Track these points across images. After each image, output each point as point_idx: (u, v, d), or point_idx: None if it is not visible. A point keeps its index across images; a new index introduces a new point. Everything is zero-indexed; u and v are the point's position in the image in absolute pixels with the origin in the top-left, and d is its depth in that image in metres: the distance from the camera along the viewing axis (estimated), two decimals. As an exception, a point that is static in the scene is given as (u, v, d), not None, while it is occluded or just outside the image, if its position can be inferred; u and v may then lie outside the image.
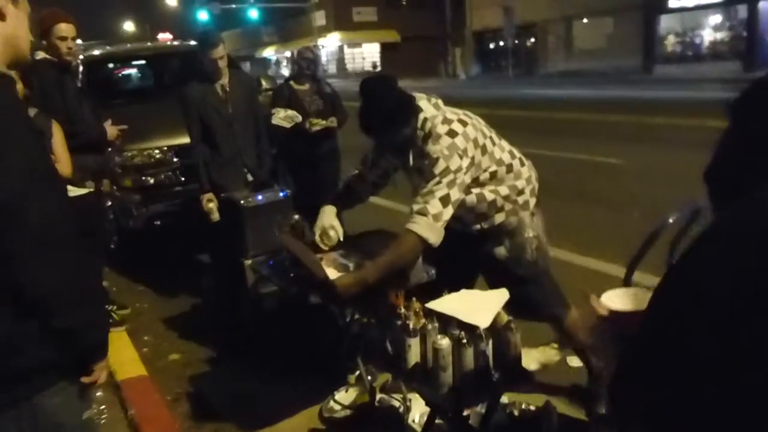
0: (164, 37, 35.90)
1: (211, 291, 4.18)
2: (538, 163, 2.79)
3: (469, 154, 2.39)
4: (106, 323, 1.57)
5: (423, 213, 2.32)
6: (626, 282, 1.98)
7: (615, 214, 5.96)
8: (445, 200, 2.33)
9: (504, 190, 2.55)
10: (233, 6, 33.82)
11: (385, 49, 42.77)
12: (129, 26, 58.11)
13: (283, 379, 3.16)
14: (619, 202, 6.39)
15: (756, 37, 20.81)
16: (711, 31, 23.82)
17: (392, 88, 2.47)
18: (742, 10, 21.84)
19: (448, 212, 2.34)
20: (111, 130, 3.79)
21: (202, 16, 31.65)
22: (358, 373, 2.93)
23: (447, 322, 2.22)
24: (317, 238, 2.71)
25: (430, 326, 2.21)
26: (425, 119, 2.45)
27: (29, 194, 1.27)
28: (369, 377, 2.90)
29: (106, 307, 3.97)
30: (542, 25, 29.99)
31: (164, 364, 3.58)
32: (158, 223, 4.94)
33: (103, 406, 2.98)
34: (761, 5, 20.66)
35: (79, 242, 1.40)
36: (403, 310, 2.30)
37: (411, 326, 2.21)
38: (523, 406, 2.63)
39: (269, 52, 49.12)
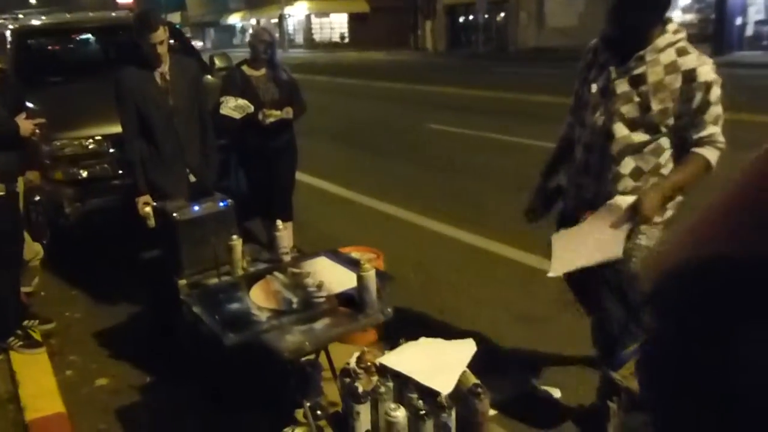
0: (125, 1, 34.24)
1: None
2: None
3: None
4: None
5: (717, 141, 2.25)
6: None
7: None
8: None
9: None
10: (197, -30, 32.54)
11: (354, 19, 41.86)
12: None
13: (223, 413, 2.82)
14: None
15: (724, 20, 20.72)
16: (680, 12, 23.67)
17: None
18: (712, -8, 21.74)
19: None
20: (25, 125, 3.23)
21: (164, -21, 30.36)
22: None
23: (403, 383, 1.89)
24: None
25: (383, 388, 1.89)
26: (678, 29, 2.24)
27: None
28: (319, 412, 2.58)
29: (25, 322, 3.54)
30: (514, 0, 29.53)
31: (89, 391, 3.17)
32: (95, 219, 4.48)
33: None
34: (730, -13, 20.55)
35: None
36: (352, 364, 1.97)
37: (360, 389, 1.88)
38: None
39: (235, 19, 47.53)
